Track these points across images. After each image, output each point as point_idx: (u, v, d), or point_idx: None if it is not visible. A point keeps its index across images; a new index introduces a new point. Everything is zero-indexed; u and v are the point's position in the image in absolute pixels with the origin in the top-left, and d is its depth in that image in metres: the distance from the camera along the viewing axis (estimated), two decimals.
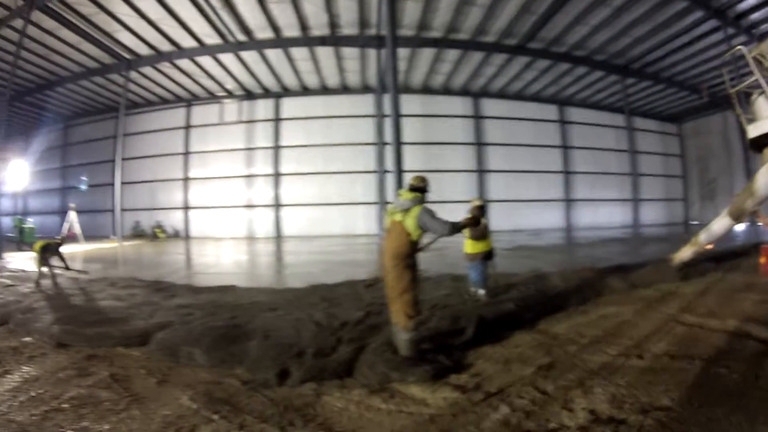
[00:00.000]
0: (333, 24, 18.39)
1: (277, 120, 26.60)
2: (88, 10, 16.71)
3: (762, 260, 8.98)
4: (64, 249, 11.32)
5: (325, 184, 26.11)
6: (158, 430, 3.43)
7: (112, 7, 16.69)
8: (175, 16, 17.48)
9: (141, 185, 27.77)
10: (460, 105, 26.91)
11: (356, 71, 23.63)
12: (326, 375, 4.44)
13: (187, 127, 27.61)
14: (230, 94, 26.58)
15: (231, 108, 26.94)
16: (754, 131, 8.09)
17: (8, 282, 10.76)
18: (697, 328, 5.55)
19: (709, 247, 9.34)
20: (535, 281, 8.68)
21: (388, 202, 19.70)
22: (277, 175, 26.48)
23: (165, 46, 20.23)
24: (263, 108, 26.74)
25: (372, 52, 20.29)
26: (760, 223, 12.62)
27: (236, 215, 26.91)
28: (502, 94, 27.09)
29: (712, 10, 16.72)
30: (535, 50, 20.79)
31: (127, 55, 20.94)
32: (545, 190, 27.75)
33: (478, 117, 27.00)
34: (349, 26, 18.63)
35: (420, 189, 5.00)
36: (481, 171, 26.75)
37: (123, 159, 23.28)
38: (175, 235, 27.18)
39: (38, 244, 10.40)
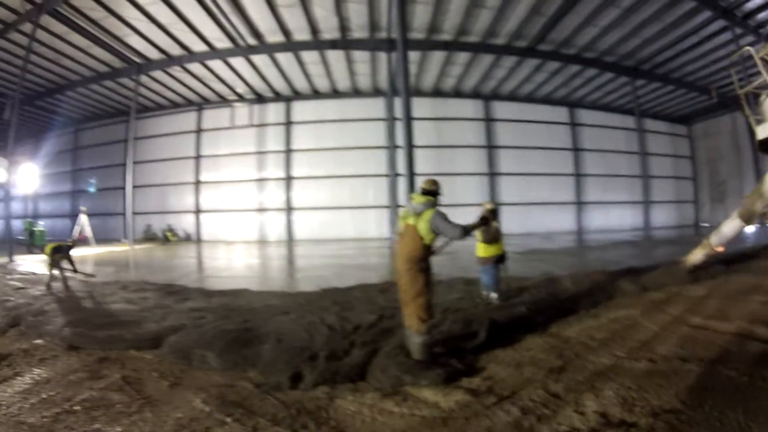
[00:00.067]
0: (343, 27, 18.36)
1: (288, 124, 26.59)
2: (98, 14, 16.76)
3: None
4: (75, 252, 11.35)
5: (337, 188, 26.07)
6: None
7: (122, 12, 16.73)
8: (186, 21, 17.52)
9: (152, 188, 27.86)
10: (471, 108, 26.80)
11: (367, 74, 23.60)
12: (339, 378, 4.44)
13: (198, 130, 27.68)
14: (241, 98, 26.63)
15: (242, 112, 27.00)
16: (762, 132, 8.02)
17: (19, 284, 10.82)
18: (707, 331, 5.52)
19: (720, 249, 9.23)
20: (546, 285, 8.68)
21: (399, 206, 19.69)
22: (288, 179, 26.46)
23: (175, 50, 20.29)
24: (274, 112, 26.75)
25: (383, 56, 20.26)
26: None
27: (248, 219, 26.88)
28: (512, 97, 26.99)
29: (719, 10, 16.56)
30: (545, 52, 20.68)
31: (137, 59, 21.01)
32: (556, 193, 27.56)
33: (489, 120, 26.88)
34: (359, 29, 18.58)
35: (432, 192, 5.05)
36: (493, 174, 26.62)
37: (134, 162, 23.43)
38: (187, 239, 27.24)
39: (49, 247, 10.42)
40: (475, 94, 26.59)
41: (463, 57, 21.44)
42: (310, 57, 21.08)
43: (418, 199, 4.95)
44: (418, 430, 3.45)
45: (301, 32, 18.63)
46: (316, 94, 26.32)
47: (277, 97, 26.48)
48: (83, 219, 22.63)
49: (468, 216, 5.64)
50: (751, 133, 8.52)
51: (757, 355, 4.58)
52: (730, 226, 8.86)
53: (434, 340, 4.99)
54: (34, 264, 14.74)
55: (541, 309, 6.81)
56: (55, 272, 10.19)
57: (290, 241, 25.58)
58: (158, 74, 22.80)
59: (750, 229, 11.89)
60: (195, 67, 21.86)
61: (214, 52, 20.27)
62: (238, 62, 21.49)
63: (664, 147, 30.75)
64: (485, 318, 6.09)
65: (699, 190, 32.13)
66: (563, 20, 17.62)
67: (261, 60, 21.29)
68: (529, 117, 27.40)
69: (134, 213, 23.55)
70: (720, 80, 22.42)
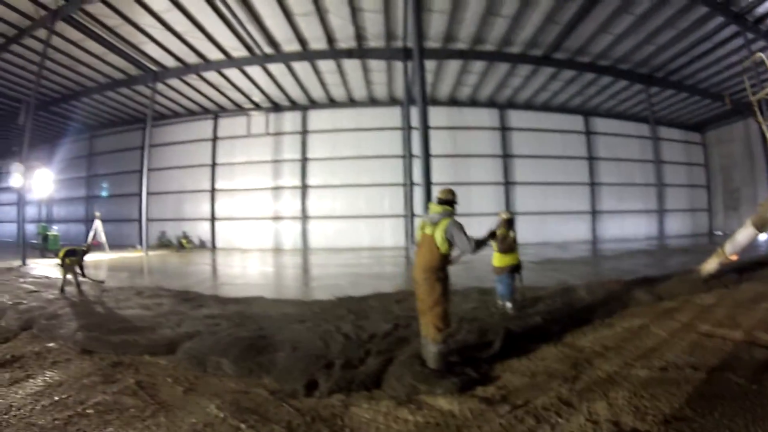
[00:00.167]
0: (359, 36, 18.37)
1: (304, 132, 26.63)
2: (114, 21, 16.88)
3: None
4: (90, 257, 11.40)
5: (352, 197, 26.01)
6: None
7: (137, 19, 16.83)
8: (202, 29, 17.60)
9: (167, 195, 27.98)
10: (486, 116, 26.71)
11: (383, 83, 23.60)
12: (354, 386, 4.46)
13: (214, 138, 27.82)
14: (257, 107, 26.72)
15: (258, 120, 27.06)
16: None
17: (32, 288, 10.93)
18: (717, 339, 5.59)
19: (734, 257, 9.16)
20: (561, 294, 8.70)
21: (415, 215, 19.63)
22: (304, 188, 26.46)
23: (191, 58, 20.39)
24: (290, 120, 26.81)
25: (398, 65, 20.19)
26: None
27: (263, 227, 26.89)
28: (528, 106, 26.89)
29: (731, 15, 16.38)
30: (561, 60, 20.58)
31: (153, 67, 21.16)
32: (572, 202, 27.33)
33: (504, 129, 26.78)
34: (375, 39, 18.58)
35: (448, 202, 5.07)
36: (508, 183, 26.48)
37: (149, 169, 23.54)
38: (201, 246, 27.30)
39: (62, 251, 10.46)
40: (490, 103, 26.49)
41: (478, 66, 21.38)
42: (326, 66, 21.11)
43: (435, 209, 5.01)
44: None
45: (317, 41, 18.66)
46: (332, 103, 26.35)
47: (293, 105, 26.54)
48: (98, 224, 22.77)
49: (483, 225, 5.64)
50: (764, 140, 8.47)
51: (766, 363, 4.66)
52: (743, 234, 8.83)
53: (450, 350, 4.97)
54: (47, 268, 14.88)
55: (556, 319, 6.86)
56: (69, 276, 10.22)
57: (305, 249, 25.53)
58: (174, 82, 22.93)
59: (764, 236, 11.76)
60: (211, 75, 21.96)
61: (230, 61, 20.34)
62: (254, 71, 21.56)
63: (677, 155, 30.46)
64: (500, 327, 6.12)
65: (713, 198, 31.73)
66: (578, 28, 17.54)
67: (277, 69, 21.34)
68: (544, 126, 27.25)
69: (149, 219, 23.59)
70: (733, 87, 22.25)
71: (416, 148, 13.51)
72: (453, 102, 26.08)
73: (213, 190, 27.72)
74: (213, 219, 27.70)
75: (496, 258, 7.71)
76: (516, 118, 26.90)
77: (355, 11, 16.46)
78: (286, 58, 19.87)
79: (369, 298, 8.85)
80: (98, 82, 22.93)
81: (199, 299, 9.28)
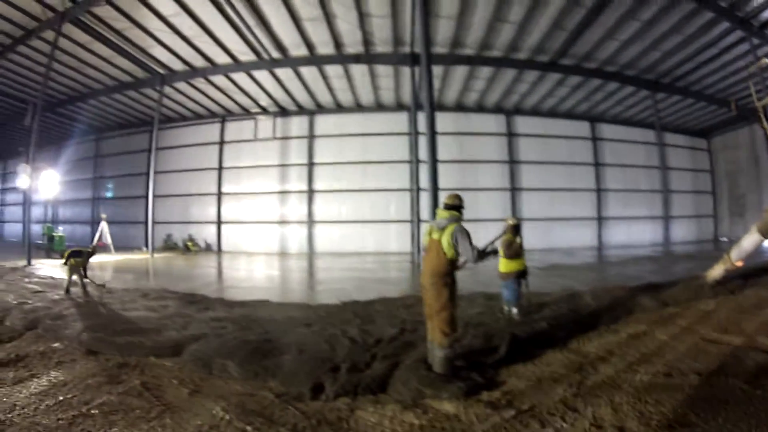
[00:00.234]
0: (367, 42, 18.36)
1: (311, 137, 26.63)
2: (122, 24, 16.91)
3: None
4: (95, 259, 11.42)
5: (359, 202, 25.97)
6: None
7: (145, 23, 16.86)
8: (210, 33, 17.62)
9: (173, 198, 28.03)
10: (493, 122, 26.65)
11: (390, 89, 23.60)
12: (360, 390, 4.49)
13: (221, 142, 27.84)
14: (264, 111, 26.75)
15: (265, 124, 27.06)
16: None
17: (37, 288, 10.97)
18: (722, 345, 5.62)
19: (740, 264, 9.19)
20: (567, 300, 8.75)
21: (421, 220, 19.58)
22: (310, 192, 26.44)
23: (199, 62, 20.44)
24: (297, 125, 26.81)
25: (406, 70, 20.17)
26: None
27: (268, 230, 26.87)
28: (535, 112, 26.82)
29: (737, 20, 16.29)
30: (567, 66, 20.53)
31: (160, 70, 21.21)
32: (578, 208, 27.24)
33: (511, 134, 26.73)
34: (383, 44, 18.57)
35: (455, 207, 5.12)
36: (514, 189, 26.43)
37: (156, 172, 23.61)
38: (207, 249, 27.26)
39: (68, 252, 10.49)
40: (497, 109, 26.46)
41: (485, 71, 21.36)
42: (333, 71, 21.11)
43: (442, 214, 5.07)
44: None
45: (324, 46, 18.66)
46: (339, 108, 26.35)
47: (300, 110, 26.55)
48: (104, 226, 22.83)
49: (490, 231, 5.63)
50: None
51: None
52: (749, 241, 8.90)
53: (456, 354, 5.02)
54: (52, 268, 14.92)
55: (561, 324, 6.93)
56: (74, 277, 10.24)
57: (311, 253, 25.49)
58: (181, 85, 22.98)
59: None
60: (218, 79, 21.98)
61: (237, 65, 20.37)
62: (261, 75, 21.59)
63: (683, 161, 30.31)
64: (506, 333, 6.20)
65: (718, 204, 31.55)
66: (585, 34, 17.49)
67: (284, 73, 21.37)
68: (551, 132, 27.19)
69: (155, 222, 23.69)
70: (738, 92, 22.08)
71: (423, 153, 13.47)
72: (460, 108, 26.04)
73: (219, 194, 27.72)
74: (219, 222, 27.70)
75: (503, 263, 7.72)
76: (523, 124, 26.84)
77: (362, 16, 16.44)
78: (293, 63, 19.87)
79: (375, 303, 8.87)
80: (105, 85, 22.99)
81: (205, 302, 9.31)
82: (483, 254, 4.87)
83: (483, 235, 4.96)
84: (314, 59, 19.50)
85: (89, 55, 19.40)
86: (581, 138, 27.76)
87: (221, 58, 19.89)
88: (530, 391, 4.39)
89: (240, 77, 21.79)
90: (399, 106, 25.37)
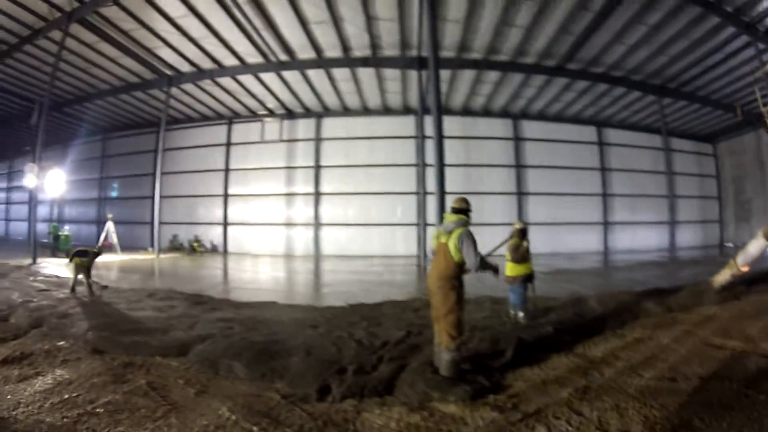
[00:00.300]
0: (374, 45, 18.40)
1: (317, 140, 26.68)
2: (129, 25, 16.97)
3: None
4: (101, 259, 11.43)
5: (365, 204, 25.99)
6: None
7: (153, 24, 16.92)
8: (218, 35, 17.70)
9: (180, 199, 28.08)
10: (500, 126, 26.64)
11: (397, 92, 23.62)
12: (367, 392, 4.49)
13: (228, 144, 27.91)
14: (271, 113, 26.81)
15: (272, 126, 27.05)
16: None
17: (42, 286, 10.98)
18: (727, 350, 5.65)
19: (746, 269, 9.21)
20: (573, 305, 8.74)
21: (428, 224, 19.56)
22: (317, 194, 26.47)
23: (206, 64, 20.52)
24: (304, 127, 26.85)
25: (413, 74, 20.25)
26: None
27: (275, 232, 26.90)
28: (541, 116, 26.82)
29: (742, 24, 16.22)
30: (574, 71, 20.52)
31: (168, 71, 21.28)
32: (584, 213, 27.17)
33: (517, 139, 26.72)
34: (390, 47, 18.60)
35: (462, 210, 5.18)
36: (521, 193, 26.40)
37: (163, 173, 23.71)
38: (213, 250, 27.34)
39: (73, 251, 10.51)
40: (504, 113, 26.45)
41: (492, 76, 21.36)
42: (340, 74, 21.16)
43: (450, 218, 5.11)
44: None
45: (332, 49, 18.68)
46: (346, 111, 26.37)
47: (308, 113, 26.59)
48: (110, 226, 22.88)
49: (496, 235, 5.62)
50: None
51: None
52: (755, 246, 8.92)
53: (462, 357, 5.00)
54: (57, 267, 14.96)
55: (567, 329, 6.92)
56: (80, 277, 10.25)
57: (317, 256, 25.47)
58: (189, 87, 23.05)
59: None
60: (226, 81, 22.06)
61: (245, 67, 20.42)
62: (268, 77, 21.63)
63: (689, 166, 30.22)
64: (512, 337, 6.19)
65: (724, 210, 31.41)
66: (591, 39, 17.47)
67: (292, 76, 21.41)
68: (557, 136, 27.15)
69: (161, 222, 23.71)
70: (744, 97, 21.96)
71: (429, 157, 13.45)
72: (467, 112, 26.03)
73: (226, 195, 27.77)
74: (225, 224, 27.76)
75: (509, 267, 7.71)
76: (529, 128, 26.82)
77: (370, 20, 16.48)
78: (300, 66, 19.91)
79: (381, 305, 8.89)
80: (112, 85, 23.08)
81: (212, 303, 9.33)
82: (484, 265, 4.92)
83: (489, 239, 4.97)
84: (322, 62, 19.52)
85: (96, 55, 19.48)
86: (587, 143, 27.71)
87: (229, 60, 19.97)
88: (536, 395, 4.40)
89: (247, 79, 21.84)
90: (406, 110, 25.40)
